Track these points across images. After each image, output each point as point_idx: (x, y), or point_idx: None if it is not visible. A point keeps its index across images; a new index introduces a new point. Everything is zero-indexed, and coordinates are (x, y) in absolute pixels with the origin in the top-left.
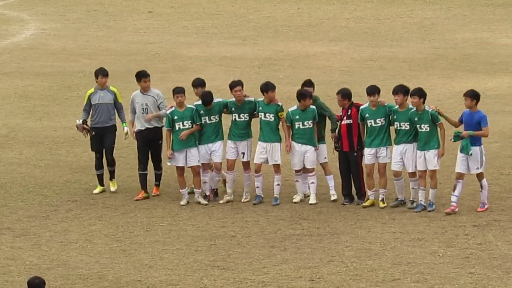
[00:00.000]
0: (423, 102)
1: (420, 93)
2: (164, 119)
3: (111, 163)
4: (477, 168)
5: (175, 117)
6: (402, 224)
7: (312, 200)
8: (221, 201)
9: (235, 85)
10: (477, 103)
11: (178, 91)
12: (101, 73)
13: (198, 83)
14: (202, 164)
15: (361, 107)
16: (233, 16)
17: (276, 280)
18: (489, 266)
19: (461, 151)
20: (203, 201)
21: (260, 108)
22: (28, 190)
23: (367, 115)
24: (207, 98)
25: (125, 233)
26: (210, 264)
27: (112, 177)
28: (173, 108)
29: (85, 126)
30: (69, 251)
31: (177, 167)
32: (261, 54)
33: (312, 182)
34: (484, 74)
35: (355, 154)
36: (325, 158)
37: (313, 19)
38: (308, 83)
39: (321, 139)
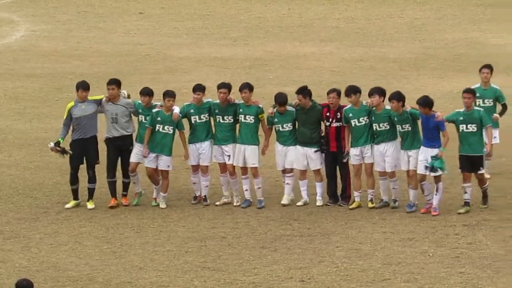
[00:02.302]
0: (402, 106)
1: (398, 97)
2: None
3: (92, 179)
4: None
5: (158, 118)
6: (393, 224)
7: (285, 201)
8: (217, 203)
9: (221, 86)
10: (431, 108)
11: (170, 95)
12: (82, 87)
13: (146, 92)
14: (192, 166)
15: (344, 108)
16: (223, 16)
17: (267, 281)
18: (479, 265)
19: (431, 171)
20: (163, 205)
21: (241, 110)
22: (17, 192)
23: (350, 114)
24: (198, 86)
25: (115, 235)
26: (200, 265)
27: (90, 197)
28: (161, 109)
29: (57, 148)
30: (59, 253)
31: (149, 168)
32: (252, 54)
33: (288, 183)
34: (475, 74)
35: (343, 154)
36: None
37: (303, 19)
38: (300, 91)
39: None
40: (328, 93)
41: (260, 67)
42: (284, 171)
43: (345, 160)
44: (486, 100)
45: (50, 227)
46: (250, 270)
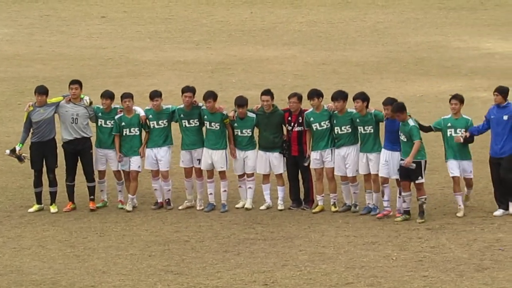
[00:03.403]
0: (366, 106)
1: (363, 97)
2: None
3: (53, 183)
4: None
5: (123, 123)
6: (356, 227)
7: (248, 205)
8: (180, 207)
9: (186, 90)
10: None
11: (126, 96)
12: (38, 91)
13: (107, 95)
14: (152, 171)
15: (306, 112)
16: (186, 20)
17: (230, 285)
18: (443, 269)
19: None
20: (129, 208)
21: (206, 116)
22: None
23: (311, 118)
24: (154, 92)
25: (79, 239)
26: (164, 269)
27: (53, 201)
28: (122, 114)
29: (12, 156)
30: (22, 257)
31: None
32: (215, 58)
33: (250, 187)
34: (437, 77)
35: (304, 158)
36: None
37: (266, 23)
38: (265, 92)
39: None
40: (289, 98)
41: (223, 70)
42: (243, 175)
43: (306, 164)
44: (458, 130)
45: (13, 231)
46: (214, 274)
